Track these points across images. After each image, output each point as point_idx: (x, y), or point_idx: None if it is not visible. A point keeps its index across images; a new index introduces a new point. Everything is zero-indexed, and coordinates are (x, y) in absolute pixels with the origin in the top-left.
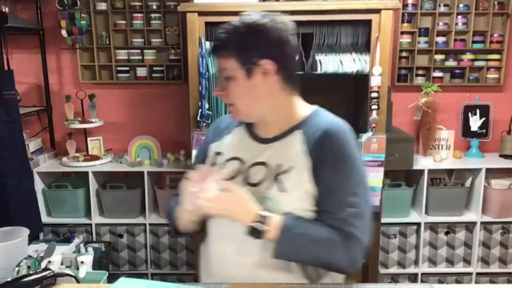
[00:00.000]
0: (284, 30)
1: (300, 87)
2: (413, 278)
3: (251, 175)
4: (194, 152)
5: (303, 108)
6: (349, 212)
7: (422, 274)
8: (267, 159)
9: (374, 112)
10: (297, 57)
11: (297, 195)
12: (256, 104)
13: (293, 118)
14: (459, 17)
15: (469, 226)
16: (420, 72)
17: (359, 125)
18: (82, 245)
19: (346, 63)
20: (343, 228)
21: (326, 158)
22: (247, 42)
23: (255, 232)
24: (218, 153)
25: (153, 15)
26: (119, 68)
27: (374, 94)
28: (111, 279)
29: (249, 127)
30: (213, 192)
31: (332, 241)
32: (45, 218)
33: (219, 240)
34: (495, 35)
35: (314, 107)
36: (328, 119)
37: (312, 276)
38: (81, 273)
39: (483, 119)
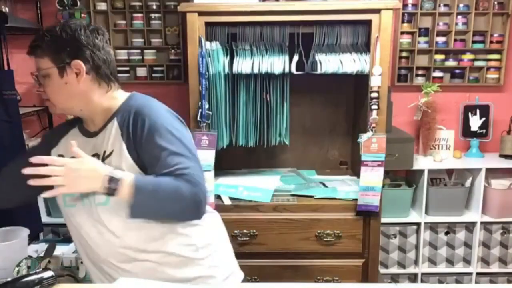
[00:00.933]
0: (98, 37)
1: (116, 81)
2: (413, 278)
3: None
4: None
5: (120, 98)
6: (180, 165)
7: (422, 274)
8: (97, 150)
9: (374, 112)
10: (111, 59)
11: (125, 170)
12: (70, 100)
13: (111, 110)
14: (459, 17)
15: (469, 226)
16: (420, 72)
17: (359, 125)
18: None
19: (346, 63)
20: (181, 174)
21: (139, 133)
22: (59, 43)
23: (110, 192)
24: (59, 156)
25: (153, 15)
26: (119, 68)
27: (374, 94)
28: None
29: (80, 126)
30: (59, 169)
31: (179, 187)
32: (45, 218)
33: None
34: (495, 35)
35: (128, 94)
36: (138, 102)
37: None
38: (81, 273)
39: (483, 119)
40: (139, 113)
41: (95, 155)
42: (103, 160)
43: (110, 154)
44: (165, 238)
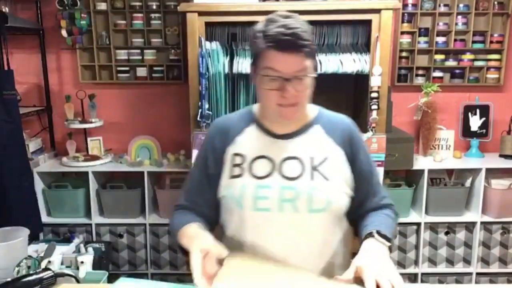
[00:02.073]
0: None
1: None
2: (413, 278)
3: (286, 170)
4: (194, 152)
5: (309, 105)
6: (380, 186)
7: (422, 274)
8: (297, 153)
9: (374, 112)
10: None
11: (337, 182)
12: (307, 101)
13: (308, 114)
14: (459, 17)
15: (469, 226)
16: (420, 72)
17: (359, 125)
18: (82, 245)
19: (346, 63)
20: (389, 204)
21: (356, 147)
22: (314, 45)
23: None
24: (236, 155)
25: (153, 15)
26: (119, 68)
27: (374, 94)
28: (111, 279)
29: (261, 126)
30: None
31: (394, 220)
32: (45, 218)
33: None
34: (495, 35)
35: (315, 106)
36: (337, 114)
37: None
38: (81, 273)
39: (483, 119)
40: (351, 127)
41: (293, 158)
42: (314, 167)
43: (324, 161)
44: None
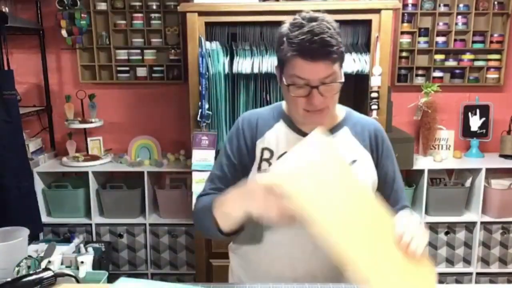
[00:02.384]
0: None
1: None
2: None
3: None
4: (194, 152)
5: (338, 105)
6: (403, 195)
7: None
8: None
9: (374, 112)
10: None
11: (366, 186)
12: (335, 106)
13: (336, 116)
14: (459, 17)
15: (469, 226)
16: (420, 72)
17: None
18: (82, 245)
19: (346, 63)
20: (408, 207)
21: (383, 151)
22: (342, 44)
23: None
24: (265, 149)
25: (153, 15)
26: (119, 68)
27: (374, 94)
28: (111, 279)
29: (290, 123)
30: None
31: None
32: (45, 218)
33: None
34: (495, 35)
35: (343, 106)
36: (365, 117)
37: None
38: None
39: (483, 119)
40: (379, 130)
41: None
42: None
43: (352, 163)
44: None
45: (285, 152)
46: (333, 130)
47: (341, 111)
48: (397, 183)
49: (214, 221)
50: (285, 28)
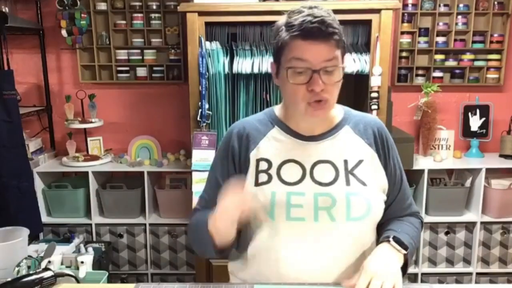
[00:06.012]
0: None
1: None
2: (413, 278)
3: (318, 175)
4: (194, 152)
5: (336, 106)
6: (408, 193)
7: (422, 274)
8: (329, 157)
9: (374, 112)
10: None
11: (375, 187)
12: (335, 100)
13: (335, 115)
14: (459, 17)
15: (469, 226)
16: (420, 72)
17: None
18: (82, 245)
19: (346, 63)
20: (415, 212)
21: (389, 149)
22: (342, 33)
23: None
24: (261, 160)
25: (153, 15)
26: (119, 68)
27: (374, 94)
28: (111, 279)
29: (285, 128)
30: None
31: (418, 229)
32: (45, 218)
33: (291, 242)
34: (495, 35)
35: (340, 105)
36: (365, 114)
37: None
38: (81, 273)
39: (483, 119)
40: (382, 128)
41: (325, 161)
42: (350, 171)
43: (359, 164)
44: None
45: (286, 161)
46: (333, 129)
47: (339, 110)
48: (403, 182)
49: (211, 238)
50: (282, 19)
